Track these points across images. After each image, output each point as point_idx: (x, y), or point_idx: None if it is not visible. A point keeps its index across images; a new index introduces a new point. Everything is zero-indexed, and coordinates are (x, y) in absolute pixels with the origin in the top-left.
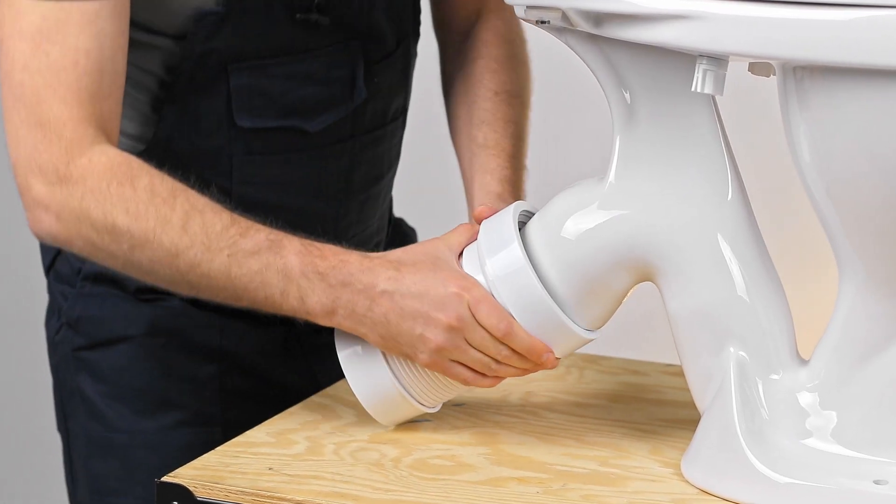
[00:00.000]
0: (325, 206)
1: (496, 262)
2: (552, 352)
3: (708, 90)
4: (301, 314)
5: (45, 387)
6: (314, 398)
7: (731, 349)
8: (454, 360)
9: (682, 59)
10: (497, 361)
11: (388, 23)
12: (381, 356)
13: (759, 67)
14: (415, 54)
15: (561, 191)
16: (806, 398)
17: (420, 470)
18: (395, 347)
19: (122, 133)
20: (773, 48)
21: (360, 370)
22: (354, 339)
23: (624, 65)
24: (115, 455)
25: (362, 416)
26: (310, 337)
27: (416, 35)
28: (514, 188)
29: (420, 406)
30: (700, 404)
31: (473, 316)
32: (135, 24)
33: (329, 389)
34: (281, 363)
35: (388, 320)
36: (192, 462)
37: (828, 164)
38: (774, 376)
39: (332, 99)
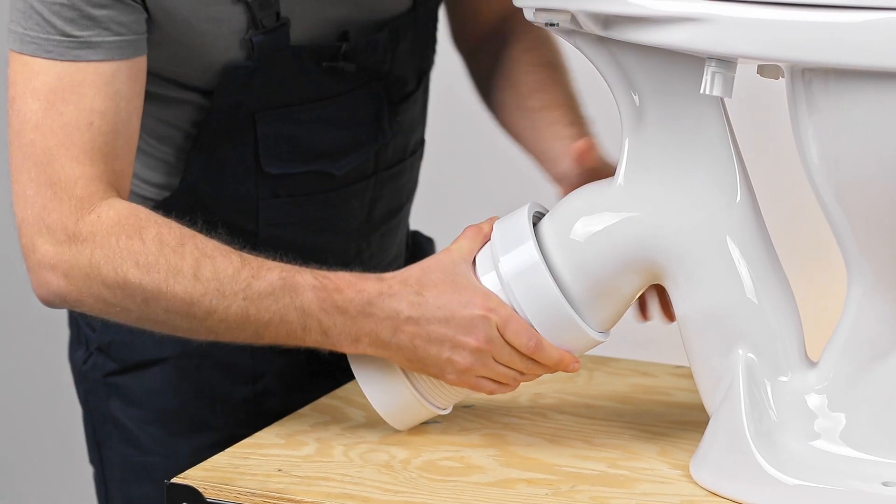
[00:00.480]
0: (347, 242)
1: (510, 261)
2: (578, 361)
3: (717, 92)
4: (326, 346)
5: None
6: (323, 399)
7: (740, 351)
8: (480, 377)
9: (690, 62)
10: (520, 374)
11: (410, 64)
12: (398, 371)
13: (769, 70)
14: (429, 79)
15: (570, 193)
16: (814, 400)
17: (429, 471)
18: (422, 369)
19: (147, 182)
20: (781, 50)
21: (373, 375)
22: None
23: (633, 67)
24: (150, 478)
25: (371, 418)
26: (337, 358)
27: (432, 67)
28: (584, 130)
29: (433, 408)
30: (709, 406)
31: (502, 336)
32: (163, 80)
33: (339, 391)
34: (311, 385)
35: (414, 346)
36: (201, 463)
37: (836, 167)
38: (783, 378)
39: (357, 141)
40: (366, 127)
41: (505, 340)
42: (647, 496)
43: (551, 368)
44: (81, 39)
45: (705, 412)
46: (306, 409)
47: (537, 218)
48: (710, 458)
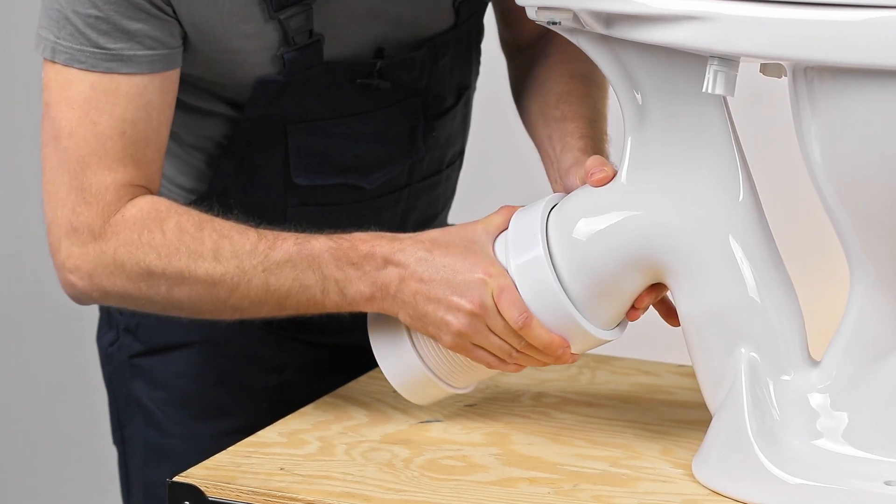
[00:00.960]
0: None
1: (519, 254)
2: (569, 347)
3: (719, 91)
4: (345, 307)
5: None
6: (326, 398)
7: (743, 350)
8: (476, 345)
9: (693, 60)
10: (516, 350)
11: (450, 80)
12: (407, 340)
13: (771, 68)
14: (474, 90)
15: (573, 191)
16: (817, 399)
17: (431, 470)
18: (423, 328)
19: (177, 186)
20: (783, 49)
21: (389, 352)
22: (384, 322)
23: (635, 66)
24: (169, 461)
25: (374, 417)
26: (359, 353)
27: (476, 78)
28: (596, 144)
29: (448, 387)
30: (711, 405)
31: (495, 305)
32: (197, 91)
33: (341, 390)
34: (333, 378)
35: (415, 301)
36: (203, 462)
37: (838, 166)
38: (786, 377)
39: (390, 157)
40: (400, 142)
41: (497, 311)
42: (649, 495)
43: (542, 352)
44: (114, 52)
45: (708, 411)
46: (308, 408)
47: None
48: (713, 457)
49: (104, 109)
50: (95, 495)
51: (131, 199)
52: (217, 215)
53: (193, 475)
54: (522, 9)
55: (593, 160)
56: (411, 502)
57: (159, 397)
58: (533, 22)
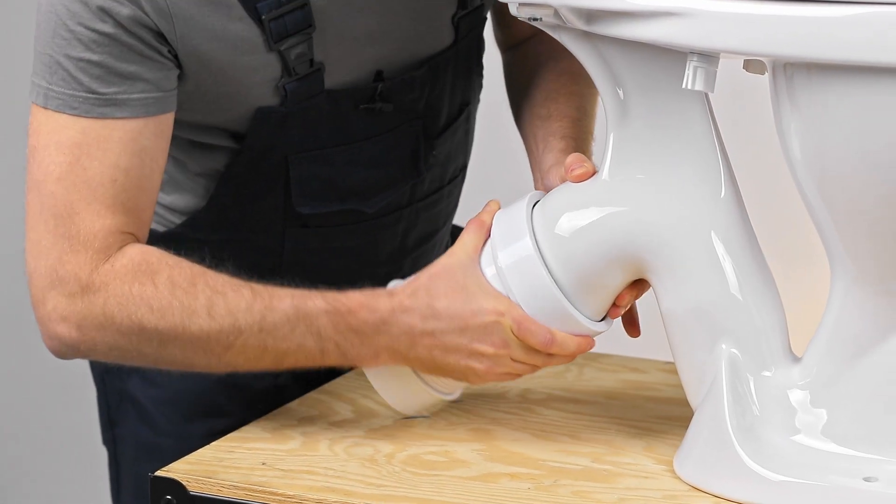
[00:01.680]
0: (378, 268)
1: (507, 253)
2: (593, 342)
3: (699, 87)
4: (346, 364)
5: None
6: (312, 394)
7: (724, 346)
8: (500, 373)
9: (674, 57)
10: (538, 367)
11: (451, 97)
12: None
13: (754, 65)
14: (477, 104)
15: (555, 188)
16: (797, 395)
17: (413, 465)
18: (445, 375)
19: (175, 210)
20: (762, 45)
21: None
22: None
23: (617, 62)
24: (161, 459)
25: (359, 412)
26: None
27: (479, 92)
28: (578, 144)
29: (440, 395)
30: (693, 401)
31: (517, 337)
32: (198, 127)
33: (327, 386)
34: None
35: (433, 357)
36: (185, 457)
37: (818, 162)
38: (766, 373)
39: (392, 180)
40: (401, 165)
41: (519, 341)
42: (630, 491)
43: (570, 358)
44: (108, 97)
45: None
46: (294, 404)
47: None
48: (693, 453)
49: (95, 156)
50: (88, 497)
51: (120, 247)
52: (208, 267)
53: (175, 469)
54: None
55: (573, 157)
56: (391, 497)
57: (155, 395)
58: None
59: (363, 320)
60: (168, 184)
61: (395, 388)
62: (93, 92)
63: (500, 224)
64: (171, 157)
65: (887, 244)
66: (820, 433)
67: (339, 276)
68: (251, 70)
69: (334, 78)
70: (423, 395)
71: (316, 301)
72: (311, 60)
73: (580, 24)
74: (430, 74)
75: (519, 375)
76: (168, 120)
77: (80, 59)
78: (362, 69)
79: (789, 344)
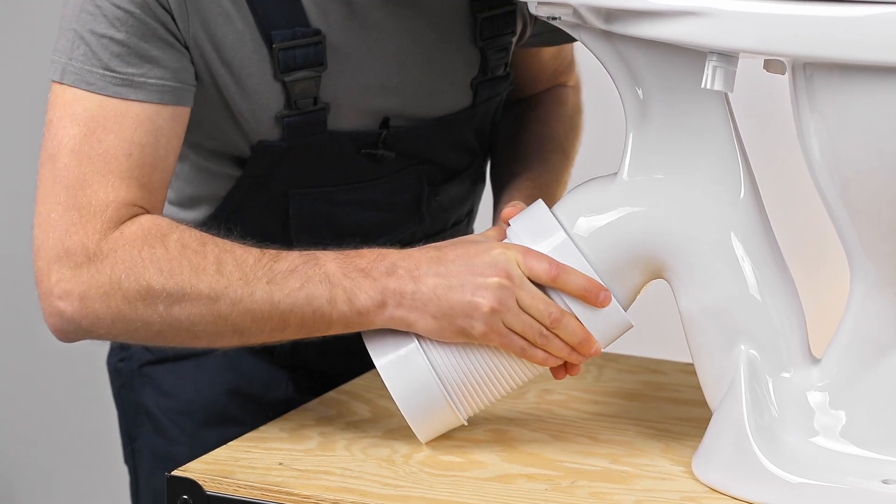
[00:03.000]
0: None
1: (540, 244)
2: (607, 291)
3: (718, 87)
4: (353, 317)
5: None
6: (331, 394)
7: (743, 347)
8: (508, 328)
9: (694, 56)
10: (546, 329)
11: (462, 150)
12: (422, 359)
13: (774, 65)
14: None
15: (573, 188)
16: (816, 397)
17: (430, 466)
18: (449, 324)
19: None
20: (781, 45)
21: (401, 375)
22: (390, 345)
23: (637, 61)
24: (175, 468)
25: (377, 413)
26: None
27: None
28: (542, 194)
29: (458, 410)
30: (711, 402)
31: (522, 269)
32: (205, 152)
33: (346, 386)
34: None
35: (436, 296)
36: (203, 456)
37: (838, 163)
38: (785, 374)
39: (393, 223)
40: (404, 210)
41: (524, 273)
42: (647, 492)
43: (575, 330)
44: (125, 77)
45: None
46: (312, 404)
47: None
48: (711, 455)
49: (111, 129)
50: None
51: (131, 217)
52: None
53: (192, 469)
54: (523, 76)
55: (509, 206)
56: (408, 497)
57: (167, 405)
58: (525, 86)
59: (372, 260)
60: (168, 202)
61: (412, 391)
62: (111, 70)
63: (522, 226)
64: (175, 177)
65: None
66: (838, 435)
67: None
68: (255, 93)
69: (339, 120)
70: (443, 411)
71: (325, 252)
72: (316, 99)
73: (599, 24)
74: (441, 130)
75: (525, 349)
76: (184, 114)
77: (103, 36)
78: (370, 116)
79: (808, 345)
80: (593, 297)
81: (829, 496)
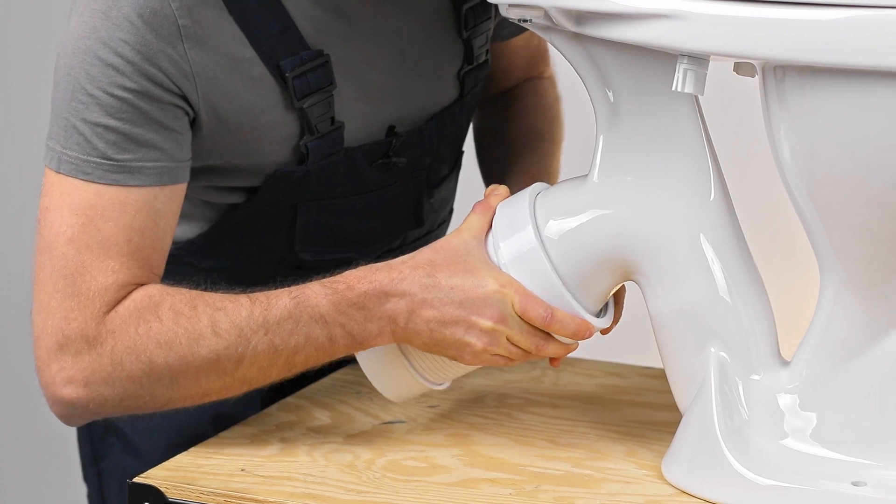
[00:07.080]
0: None
1: (510, 246)
2: (592, 328)
3: (689, 89)
4: (356, 348)
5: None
6: (290, 399)
7: (713, 349)
8: (494, 354)
9: (664, 59)
10: (529, 353)
11: (451, 148)
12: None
13: (744, 67)
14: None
15: (548, 189)
16: (786, 399)
17: (393, 471)
18: (440, 350)
19: (174, 241)
20: (752, 48)
21: (373, 353)
22: None
23: (607, 64)
24: None
25: (337, 418)
26: None
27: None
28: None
29: (428, 384)
30: (681, 404)
31: (516, 312)
32: (206, 190)
33: (304, 391)
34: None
35: (430, 329)
36: (164, 463)
37: (808, 165)
38: (755, 377)
39: (393, 229)
40: (404, 215)
41: (519, 317)
42: (612, 496)
43: (562, 348)
44: (122, 163)
45: (674, 412)
46: (272, 409)
47: None
48: (681, 457)
49: (110, 217)
50: None
51: (127, 294)
52: (205, 289)
53: (154, 476)
54: (496, 69)
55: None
56: (372, 503)
57: (140, 426)
58: (500, 79)
59: (363, 293)
60: None
61: (383, 373)
62: (107, 158)
63: (503, 215)
64: None
65: (877, 248)
66: (809, 437)
67: None
68: (269, 128)
69: (351, 135)
70: (412, 384)
71: (314, 289)
72: (332, 118)
73: (570, 26)
74: (437, 128)
75: (511, 362)
76: (181, 191)
77: (97, 124)
78: (376, 127)
79: (778, 347)
80: (580, 336)
81: (799, 498)
